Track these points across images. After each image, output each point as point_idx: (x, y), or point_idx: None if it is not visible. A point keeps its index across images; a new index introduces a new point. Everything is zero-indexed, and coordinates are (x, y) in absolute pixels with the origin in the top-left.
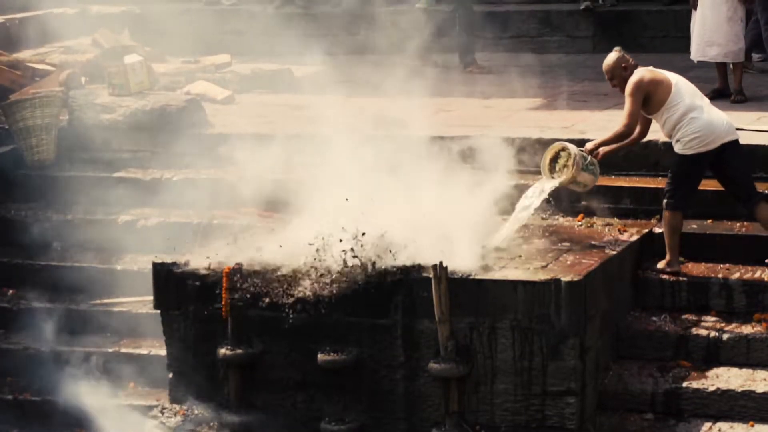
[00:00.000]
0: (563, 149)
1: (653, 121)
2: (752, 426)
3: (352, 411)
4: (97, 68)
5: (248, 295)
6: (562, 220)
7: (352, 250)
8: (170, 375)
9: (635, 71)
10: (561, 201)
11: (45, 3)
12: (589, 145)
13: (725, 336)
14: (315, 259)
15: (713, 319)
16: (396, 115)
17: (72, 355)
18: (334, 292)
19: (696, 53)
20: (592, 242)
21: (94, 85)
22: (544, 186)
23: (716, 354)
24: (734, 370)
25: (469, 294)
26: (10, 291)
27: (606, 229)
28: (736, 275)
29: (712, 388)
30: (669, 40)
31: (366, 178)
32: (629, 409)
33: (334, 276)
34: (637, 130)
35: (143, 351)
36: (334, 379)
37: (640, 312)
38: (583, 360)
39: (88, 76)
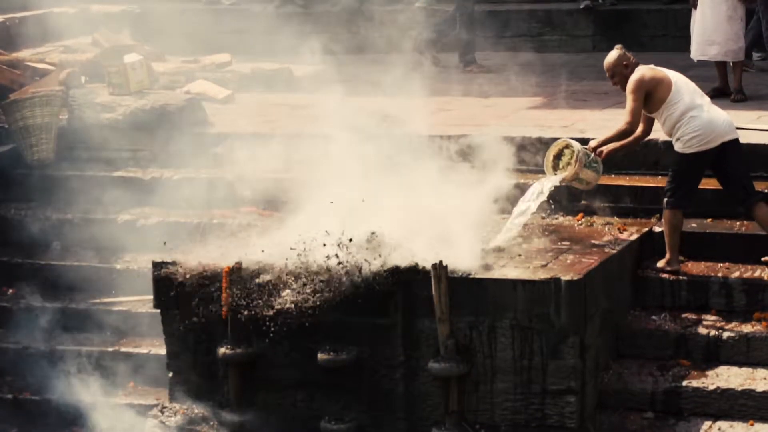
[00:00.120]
0: (567, 146)
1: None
2: (752, 425)
3: (351, 410)
4: (96, 67)
5: (248, 295)
6: (561, 219)
7: (336, 256)
8: (170, 374)
9: (636, 69)
10: (561, 200)
11: (45, 2)
12: (592, 143)
13: (725, 335)
14: (296, 267)
15: (713, 318)
16: (396, 114)
17: (71, 355)
18: (317, 303)
19: (696, 52)
20: (592, 241)
21: (93, 84)
22: (543, 187)
23: (716, 353)
24: (734, 369)
25: (469, 293)
26: (10, 290)
27: (606, 228)
28: (736, 274)
29: (712, 387)
30: (669, 39)
31: (366, 177)
32: (629, 408)
33: (316, 285)
34: (641, 128)
35: (143, 350)
36: (333, 379)
37: (640, 311)
38: (583, 359)
39: (87, 75)
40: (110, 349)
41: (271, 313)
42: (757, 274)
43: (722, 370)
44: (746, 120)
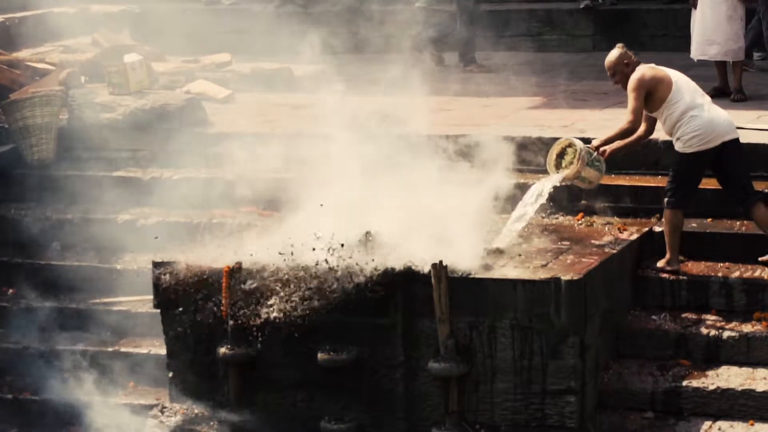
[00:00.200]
0: (570, 145)
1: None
2: (752, 425)
3: (351, 410)
4: (96, 67)
5: (248, 295)
6: (562, 219)
7: (326, 261)
8: (170, 374)
9: (637, 68)
10: (561, 200)
11: (45, 2)
12: (595, 142)
13: (725, 335)
14: (283, 274)
15: (713, 317)
16: (396, 114)
17: (72, 355)
18: (306, 312)
19: (696, 52)
20: (592, 241)
21: (93, 84)
22: (543, 189)
23: (716, 353)
24: (734, 369)
25: (469, 293)
26: (10, 290)
27: (606, 228)
28: (736, 274)
29: (712, 387)
30: (669, 38)
31: (366, 176)
32: (629, 408)
33: (304, 293)
34: (643, 127)
35: (143, 350)
36: (333, 379)
37: (640, 311)
38: (583, 359)
39: (87, 75)
40: (110, 349)
41: (258, 322)
42: (757, 273)
43: (722, 370)
44: (746, 120)
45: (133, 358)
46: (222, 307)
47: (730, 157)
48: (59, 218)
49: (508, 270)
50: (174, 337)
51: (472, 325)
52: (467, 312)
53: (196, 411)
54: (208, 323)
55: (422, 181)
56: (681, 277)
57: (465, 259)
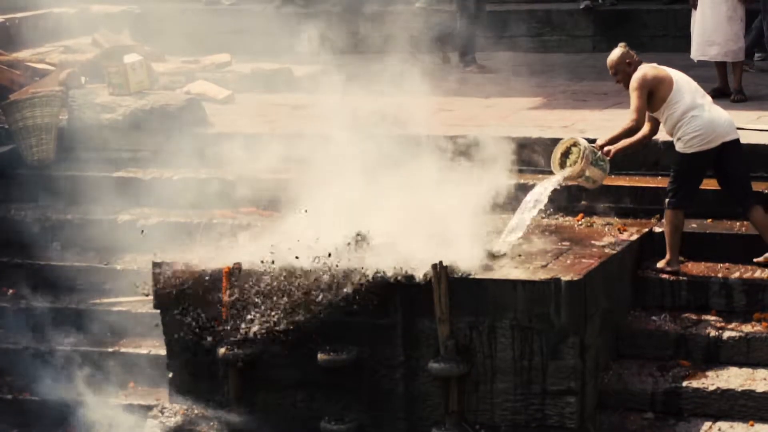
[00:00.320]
0: (574, 144)
1: None
2: (752, 425)
3: (351, 410)
4: (96, 68)
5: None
6: (562, 220)
7: (321, 266)
8: (170, 374)
9: (639, 67)
10: (561, 200)
11: (45, 2)
12: (599, 141)
13: (725, 335)
14: (265, 286)
15: (713, 318)
16: (396, 114)
17: (72, 355)
18: (301, 319)
19: (696, 52)
20: (592, 242)
21: (93, 84)
22: (543, 191)
23: (716, 353)
24: (734, 370)
25: (469, 293)
26: (10, 290)
27: (606, 229)
28: (736, 274)
29: (712, 388)
30: (669, 39)
31: (366, 177)
32: (629, 408)
33: (285, 306)
34: (647, 127)
35: (143, 350)
36: (333, 379)
37: (640, 311)
38: (583, 359)
39: (87, 75)
40: (110, 350)
41: (238, 337)
42: (757, 274)
43: (722, 370)
44: (746, 120)
45: (132, 358)
46: (222, 307)
47: (731, 158)
48: (59, 218)
49: (508, 270)
50: (174, 337)
51: (472, 326)
52: (467, 312)
53: (195, 411)
54: (208, 323)
55: (422, 181)
56: (681, 277)
57: (465, 259)
